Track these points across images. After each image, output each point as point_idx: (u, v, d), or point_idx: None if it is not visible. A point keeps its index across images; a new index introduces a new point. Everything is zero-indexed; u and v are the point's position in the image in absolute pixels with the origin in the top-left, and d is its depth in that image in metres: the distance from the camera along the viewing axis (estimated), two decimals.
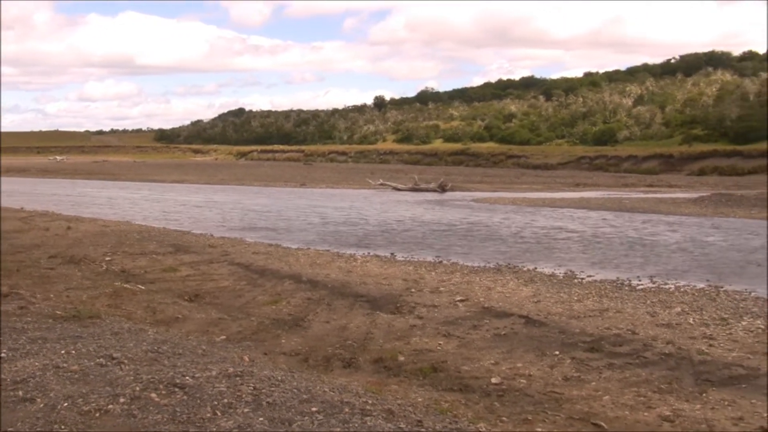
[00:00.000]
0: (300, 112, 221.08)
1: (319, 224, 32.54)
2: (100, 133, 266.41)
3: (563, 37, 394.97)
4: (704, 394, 9.14)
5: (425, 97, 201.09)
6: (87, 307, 12.43)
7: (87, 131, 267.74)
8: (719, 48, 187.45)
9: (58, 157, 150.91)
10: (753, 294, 16.62)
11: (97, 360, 8.49)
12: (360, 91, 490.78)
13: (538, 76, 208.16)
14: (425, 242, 26.40)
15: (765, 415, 8.45)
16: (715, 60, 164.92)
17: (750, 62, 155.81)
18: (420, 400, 8.50)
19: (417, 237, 28.03)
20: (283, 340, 11.78)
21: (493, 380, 9.68)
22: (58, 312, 11.48)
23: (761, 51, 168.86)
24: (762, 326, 12.93)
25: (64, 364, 8.19)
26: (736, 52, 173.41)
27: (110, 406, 6.85)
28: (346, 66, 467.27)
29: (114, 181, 74.83)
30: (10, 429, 6.23)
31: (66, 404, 6.87)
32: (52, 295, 13.76)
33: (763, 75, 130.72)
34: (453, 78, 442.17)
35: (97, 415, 6.68)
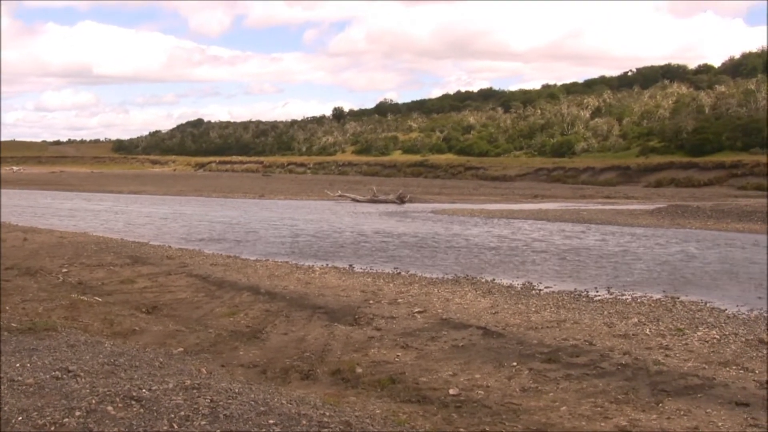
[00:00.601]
0: (259, 123, 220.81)
1: (277, 236, 32.46)
2: (57, 143, 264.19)
3: (522, 50, 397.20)
4: (660, 404, 9.20)
5: (384, 109, 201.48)
6: (43, 319, 12.31)
7: (44, 141, 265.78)
8: (675, 61, 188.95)
9: (15, 168, 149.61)
10: (708, 304, 16.80)
11: (53, 373, 8.42)
12: (319, 102, 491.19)
13: (496, 87, 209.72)
14: (384, 254, 26.40)
15: (720, 424, 8.53)
16: (671, 73, 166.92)
17: (705, 75, 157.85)
18: (378, 411, 8.49)
19: (375, 248, 28.03)
20: (240, 352, 11.73)
21: (451, 391, 9.69)
22: (13, 324, 11.37)
23: (716, 64, 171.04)
24: (717, 336, 13.06)
25: (19, 378, 8.11)
26: (692, 65, 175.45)
27: (66, 420, 6.79)
28: (305, 77, 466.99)
29: (71, 191, 74.20)
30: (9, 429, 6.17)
31: (20, 418, 6.80)
32: (7, 308, 13.61)
33: (718, 88, 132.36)
34: (413, 89, 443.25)
35: (53, 428, 6.62)
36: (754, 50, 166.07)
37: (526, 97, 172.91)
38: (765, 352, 11.94)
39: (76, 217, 42.45)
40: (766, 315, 15.59)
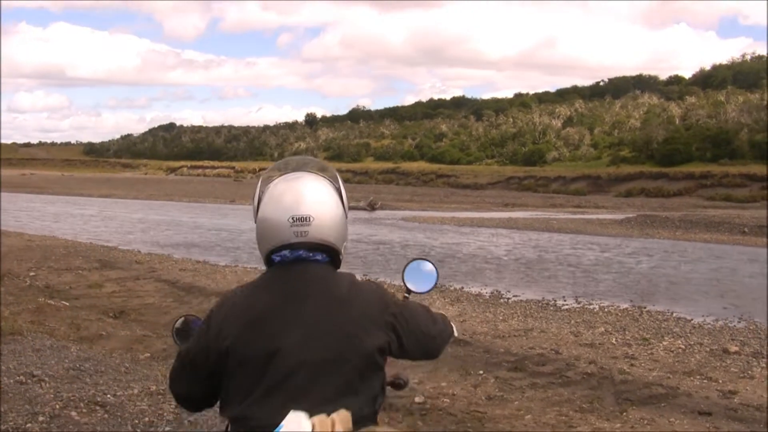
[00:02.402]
0: (231, 128, 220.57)
1: (247, 241, 32.39)
2: (27, 145, 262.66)
3: (495, 58, 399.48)
4: (624, 413, 9.25)
5: (357, 115, 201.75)
6: (8, 323, 12.23)
7: (14, 143, 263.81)
8: (648, 72, 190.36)
9: None
10: (675, 314, 16.89)
11: (17, 377, 8.39)
12: (293, 107, 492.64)
13: (469, 96, 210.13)
14: (353, 260, 26.40)
15: None
16: (642, 83, 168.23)
17: (676, 86, 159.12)
18: None
19: (345, 255, 27.99)
20: None
21: (417, 399, 9.69)
22: None
23: (687, 75, 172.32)
24: (682, 346, 13.15)
25: None
26: (664, 76, 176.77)
27: (29, 425, 6.78)
28: (279, 82, 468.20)
29: (41, 194, 73.75)
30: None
31: None
32: None
33: (689, 99, 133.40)
34: (386, 96, 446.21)
35: None
36: (724, 62, 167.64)
37: (498, 106, 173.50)
38: (729, 362, 12.04)
39: (63, 222, 42.18)
40: (731, 325, 15.72)
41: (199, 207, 59.14)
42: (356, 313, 2.89)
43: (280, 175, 3.15)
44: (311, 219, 2.94)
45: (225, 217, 47.99)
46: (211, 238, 33.83)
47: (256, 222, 3.11)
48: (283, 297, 2.91)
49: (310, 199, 2.98)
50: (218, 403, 2.97)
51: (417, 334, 3.12)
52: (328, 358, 2.78)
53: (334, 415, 2.56)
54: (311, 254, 2.98)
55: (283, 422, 2.52)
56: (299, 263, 2.97)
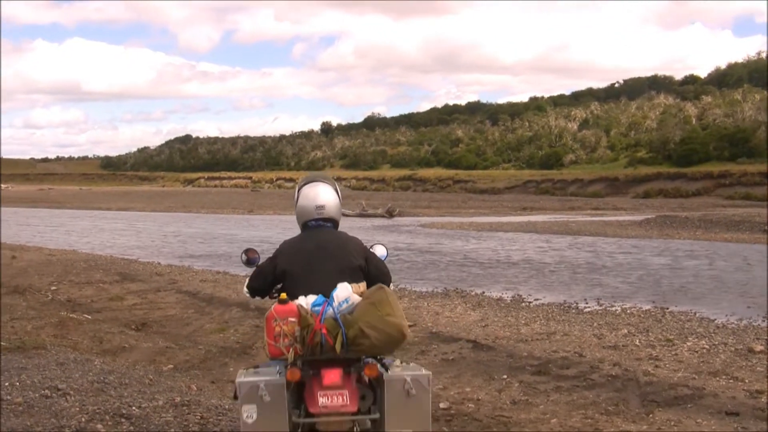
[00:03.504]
0: (247, 138, 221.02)
1: (266, 251, 32.42)
2: (45, 160, 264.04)
3: (510, 63, 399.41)
4: (650, 415, 9.20)
5: (372, 123, 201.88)
6: (32, 337, 12.28)
7: (32, 159, 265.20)
8: (664, 72, 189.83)
9: (3, 185, 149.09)
10: (698, 314, 16.80)
11: (42, 391, 8.41)
12: (308, 117, 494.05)
13: (484, 101, 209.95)
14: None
15: None
16: (657, 84, 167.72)
17: (692, 86, 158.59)
18: None
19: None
20: (230, 369, 11.68)
21: (441, 405, 9.67)
22: (2, 343, 11.34)
23: (702, 75, 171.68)
24: (706, 346, 13.08)
25: (8, 397, 8.10)
26: (679, 76, 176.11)
27: None
28: (294, 92, 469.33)
29: (60, 209, 74.07)
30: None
31: None
32: None
33: (705, 98, 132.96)
34: (401, 103, 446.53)
35: None
36: (739, 60, 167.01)
37: (513, 110, 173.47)
38: (754, 361, 11.96)
39: (91, 237, 42.32)
40: (755, 324, 15.62)
41: (227, 218, 59.23)
42: (349, 248, 5.83)
43: (306, 184, 6.07)
44: (324, 206, 5.92)
45: (256, 229, 48.10)
46: (229, 248, 33.87)
47: (296, 209, 6.04)
48: (314, 242, 5.82)
49: (323, 196, 5.96)
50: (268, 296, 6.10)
51: (377, 267, 6.00)
52: (336, 268, 5.63)
53: (362, 285, 5.61)
54: (325, 223, 5.96)
55: (338, 287, 5.36)
56: (320, 227, 5.95)
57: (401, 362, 5.52)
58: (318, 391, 5.03)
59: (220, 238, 40.09)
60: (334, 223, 5.96)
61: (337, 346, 5.03)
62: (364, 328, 5.06)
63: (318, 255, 5.68)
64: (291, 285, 5.61)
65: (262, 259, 6.21)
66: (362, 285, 5.61)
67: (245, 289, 6.08)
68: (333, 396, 5.01)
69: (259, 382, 5.09)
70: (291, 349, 5.11)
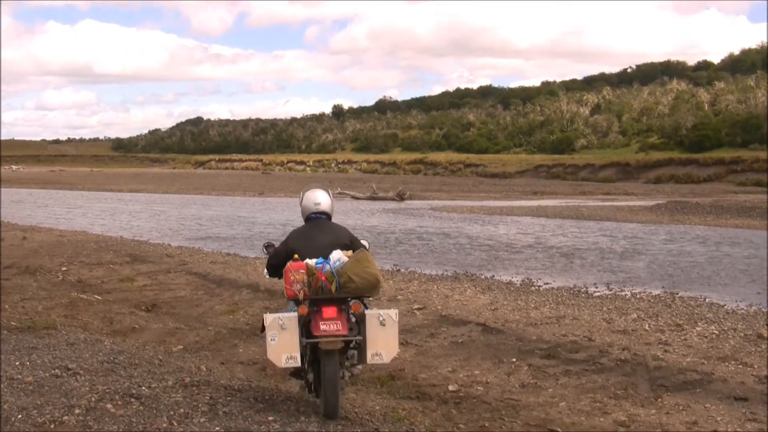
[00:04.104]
0: (258, 121, 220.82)
1: (277, 234, 32.51)
2: (56, 142, 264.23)
3: (523, 47, 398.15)
4: (659, 400, 9.21)
5: (383, 106, 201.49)
6: (42, 317, 12.32)
7: (43, 140, 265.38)
8: (678, 58, 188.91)
9: (14, 167, 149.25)
10: (707, 300, 16.80)
11: (53, 371, 8.44)
12: (320, 100, 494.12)
13: (497, 85, 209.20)
14: (383, 251, 26.40)
15: (719, 419, 8.54)
16: (670, 70, 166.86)
17: (704, 72, 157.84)
18: (377, 408, 8.49)
19: (375, 245, 27.98)
20: (240, 350, 11.72)
21: (451, 388, 9.69)
22: (13, 323, 11.38)
23: (716, 61, 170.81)
24: (716, 331, 13.07)
25: (19, 376, 8.13)
26: (692, 62, 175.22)
27: (65, 418, 6.81)
28: (306, 75, 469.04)
29: (72, 190, 74.25)
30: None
31: (20, 416, 6.83)
32: (7, 306, 13.59)
33: (717, 84, 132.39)
34: (414, 87, 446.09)
35: (52, 426, 6.64)
36: (753, 46, 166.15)
37: (525, 94, 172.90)
38: (764, 347, 11.95)
39: (114, 219, 42.42)
40: (764, 310, 15.60)
41: (229, 200, 59.32)
42: (340, 232, 7.92)
43: (308, 190, 8.32)
44: (321, 204, 8.02)
45: (274, 211, 48.19)
46: (239, 230, 33.95)
47: (301, 208, 8.22)
48: (314, 228, 7.93)
49: (320, 197, 8.10)
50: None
51: (358, 246, 7.79)
52: (330, 244, 7.65)
53: (344, 251, 7.55)
54: (321, 215, 8.01)
55: (334, 253, 7.53)
56: (318, 218, 8.01)
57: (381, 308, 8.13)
58: (320, 321, 7.27)
59: (230, 220, 40.13)
60: (328, 216, 8.20)
61: (333, 288, 7.41)
62: (351, 275, 7.42)
63: (317, 235, 7.93)
64: (299, 257, 7.58)
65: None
66: (349, 252, 7.70)
67: (265, 271, 8.36)
68: (330, 324, 7.27)
69: (280, 316, 7.36)
70: (301, 292, 7.41)
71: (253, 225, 36.97)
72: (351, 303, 7.58)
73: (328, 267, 7.50)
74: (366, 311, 7.56)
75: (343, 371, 7.77)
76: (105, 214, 45.37)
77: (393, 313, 7.65)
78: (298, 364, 7.37)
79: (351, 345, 7.62)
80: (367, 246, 8.10)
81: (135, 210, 48.91)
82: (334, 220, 8.30)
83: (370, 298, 8.00)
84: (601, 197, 60.75)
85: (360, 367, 8.08)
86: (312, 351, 7.45)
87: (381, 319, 7.52)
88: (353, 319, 7.57)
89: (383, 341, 7.56)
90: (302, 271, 7.44)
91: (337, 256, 7.59)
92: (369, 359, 7.51)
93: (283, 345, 7.27)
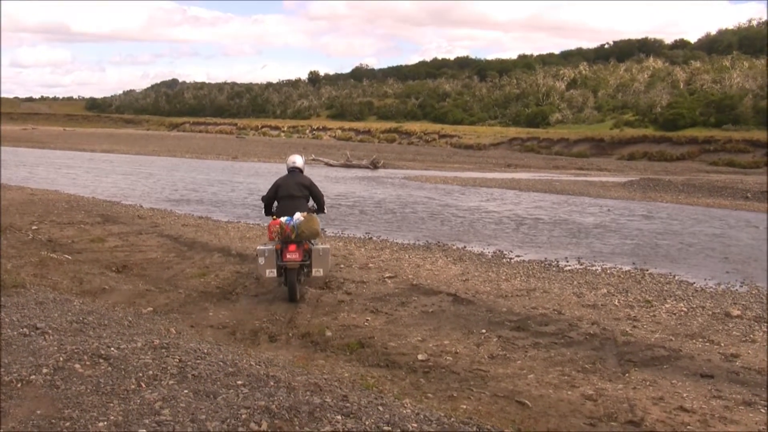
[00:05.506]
0: (234, 84, 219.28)
1: (250, 198, 32.43)
2: (30, 100, 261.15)
3: (503, 20, 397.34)
4: (627, 374, 9.27)
5: (360, 74, 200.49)
6: (11, 276, 12.24)
7: (16, 98, 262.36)
8: (657, 36, 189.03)
9: None
10: (677, 277, 16.91)
11: (21, 330, 8.39)
12: (297, 66, 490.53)
13: (475, 56, 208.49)
14: (355, 218, 26.41)
15: (684, 395, 8.61)
16: (647, 47, 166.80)
17: (681, 51, 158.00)
18: (346, 375, 8.51)
19: (347, 213, 28.03)
20: (210, 313, 11.72)
21: (420, 357, 9.72)
22: None
23: (693, 40, 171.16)
24: (684, 309, 13.16)
25: None
26: (669, 40, 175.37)
27: (32, 377, 6.78)
28: (284, 40, 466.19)
29: (44, 149, 73.70)
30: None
31: None
32: None
33: (694, 64, 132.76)
34: (392, 56, 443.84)
35: (19, 385, 6.60)
36: (730, 27, 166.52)
37: (502, 67, 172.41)
38: (731, 325, 12.05)
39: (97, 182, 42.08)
40: (732, 289, 15.72)
41: (202, 164, 59.07)
42: (303, 182, 13.76)
43: (289, 156, 14.53)
44: (296, 162, 14.19)
45: (229, 174, 48.03)
46: (211, 194, 33.82)
47: (286, 163, 14.29)
48: (291, 178, 13.79)
49: (297, 159, 14.32)
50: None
51: (315, 191, 13.79)
52: (296, 195, 13.53)
53: (305, 213, 13.05)
54: (296, 169, 14.06)
55: (295, 215, 12.89)
56: (293, 171, 14.02)
57: (320, 245, 13.43)
58: (286, 253, 12.63)
59: (202, 183, 39.98)
60: (300, 170, 14.03)
61: (293, 235, 12.66)
62: (303, 229, 12.71)
63: (292, 179, 13.70)
64: (279, 203, 13.58)
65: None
66: (305, 213, 12.98)
67: (263, 211, 14.01)
68: (292, 254, 12.64)
69: (265, 249, 12.72)
70: (276, 237, 12.71)
71: (232, 189, 36.88)
72: (303, 243, 12.84)
73: (291, 223, 12.72)
74: (312, 247, 12.92)
75: (300, 278, 13.03)
76: (77, 173, 45.06)
77: (327, 248, 13.21)
78: (274, 275, 12.76)
79: (304, 265, 12.91)
80: (324, 211, 14.08)
81: (106, 170, 48.62)
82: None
83: (314, 240, 13.24)
84: (574, 172, 60.85)
85: (309, 276, 13.25)
86: (283, 268, 12.75)
87: (320, 252, 12.93)
88: (305, 252, 12.80)
89: (321, 264, 12.95)
90: (277, 225, 12.72)
91: (298, 217, 12.80)
92: (313, 274, 13.00)
93: (267, 265, 12.69)
